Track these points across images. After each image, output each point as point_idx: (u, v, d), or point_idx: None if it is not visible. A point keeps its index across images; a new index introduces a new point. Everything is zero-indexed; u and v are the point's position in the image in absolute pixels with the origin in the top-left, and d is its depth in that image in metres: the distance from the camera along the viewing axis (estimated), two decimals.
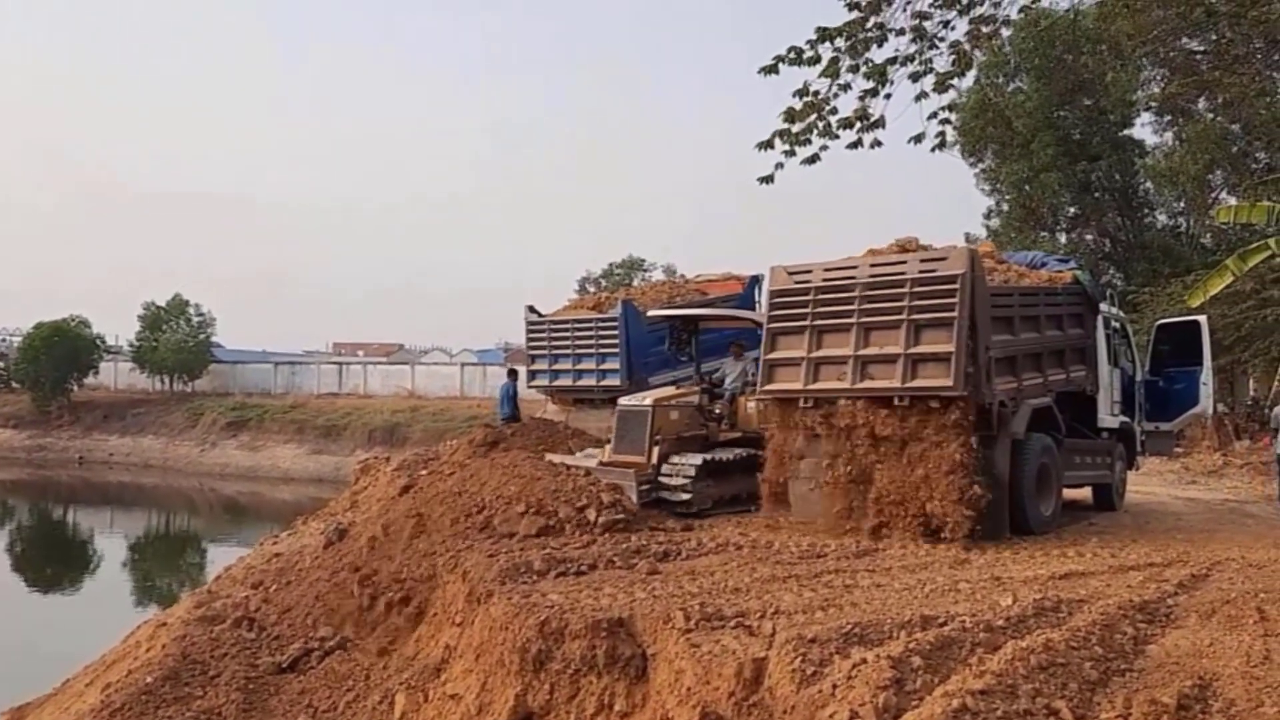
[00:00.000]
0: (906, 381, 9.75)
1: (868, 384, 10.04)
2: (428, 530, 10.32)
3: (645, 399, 12.48)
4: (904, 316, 9.81)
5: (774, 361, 10.77)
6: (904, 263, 10.12)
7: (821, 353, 10.37)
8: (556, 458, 12.57)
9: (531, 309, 18.21)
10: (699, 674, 5.66)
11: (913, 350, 9.76)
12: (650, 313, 15.72)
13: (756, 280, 18.54)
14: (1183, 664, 5.45)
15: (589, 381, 16.70)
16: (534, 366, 18.16)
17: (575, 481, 10.75)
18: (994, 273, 11.15)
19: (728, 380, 13.56)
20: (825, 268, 10.58)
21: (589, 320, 17.05)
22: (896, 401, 9.81)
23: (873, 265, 10.33)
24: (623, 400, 12.81)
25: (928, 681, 4.84)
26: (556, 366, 17.49)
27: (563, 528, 9.79)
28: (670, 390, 13.14)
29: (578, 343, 17.11)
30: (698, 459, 11.68)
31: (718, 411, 12.87)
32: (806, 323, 10.46)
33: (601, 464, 12.06)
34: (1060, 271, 12.47)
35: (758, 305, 17.86)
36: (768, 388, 10.82)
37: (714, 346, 15.09)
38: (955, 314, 9.53)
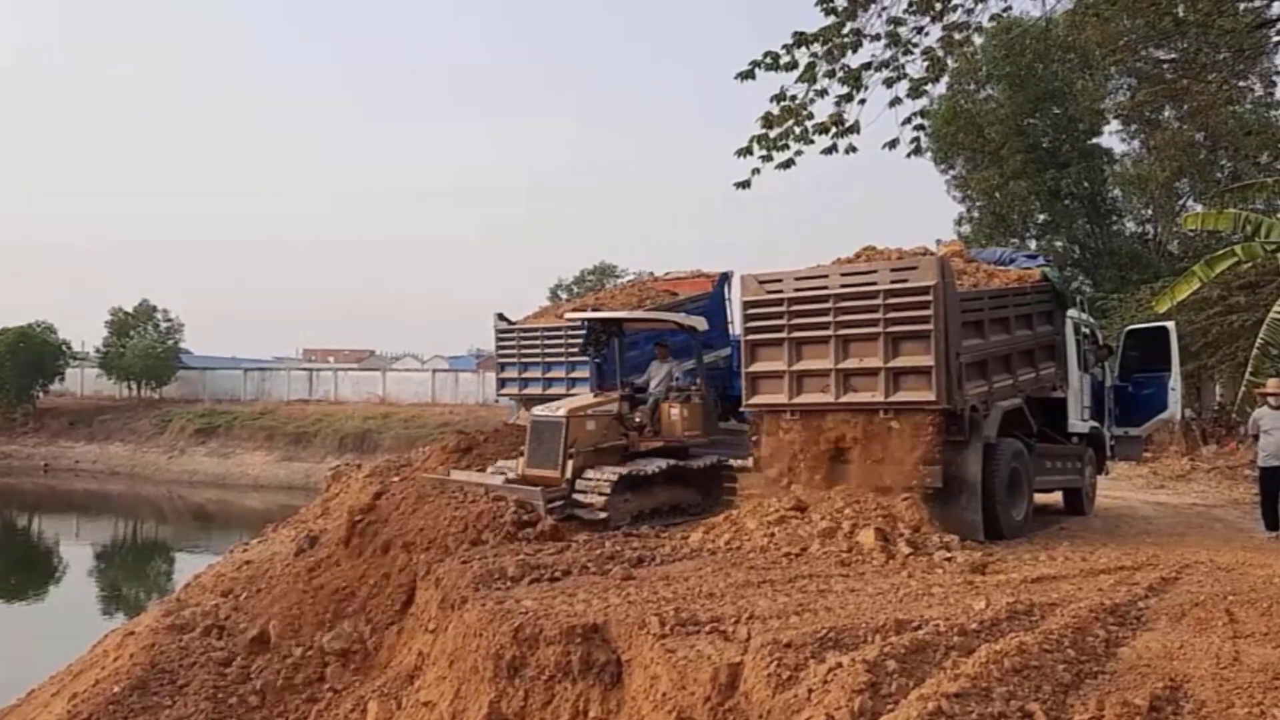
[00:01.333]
0: (890, 395, 9.91)
1: (852, 397, 10.16)
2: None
3: (559, 408, 11.75)
4: (880, 329, 9.93)
5: (756, 374, 10.83)
6: (874, 272, 10.20)
7: (802, 365, 10.45)
8: (461, 475, 12.18)
9: (501, 316, 18.07)
10: (674, 679, 5.65)
11: (893, 364, 9.90)
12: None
13: (726, 278, 18.49)
14: (1154, 666, 5.49)
15: (559, 390, 16.53)
16: (503, 375, 18.03)
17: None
18: (963, 275, 11.23)
19: (652, 384, 12.86)
20: (796, 277, 10.63)
21: (559, 328, 16.91)
22: (882, 414, 10.01)
23: (844, 275, 10.41)
24: (535, 410, 12.12)
25: (903, 685, 4.85)
26: (526, 375, 17.35)
27: None
28: (587, 398, 12.42)
29: (547, 351, 16.96)
30: (615, 472, 11.05)
31: (638, 420, 12.14)
32: (784, 335, 10.52)
33: (508, 481, 11.49)
34: (1029, 269, 12.50)
35: (728, 303, 17.81)
36: (753, 400, 10.94)
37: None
38: (931, 326, 9.64)
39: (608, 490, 10.86)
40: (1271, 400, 11.97)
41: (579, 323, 15.63)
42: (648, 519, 11.34)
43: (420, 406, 47.96)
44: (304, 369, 61.77)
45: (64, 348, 55.12)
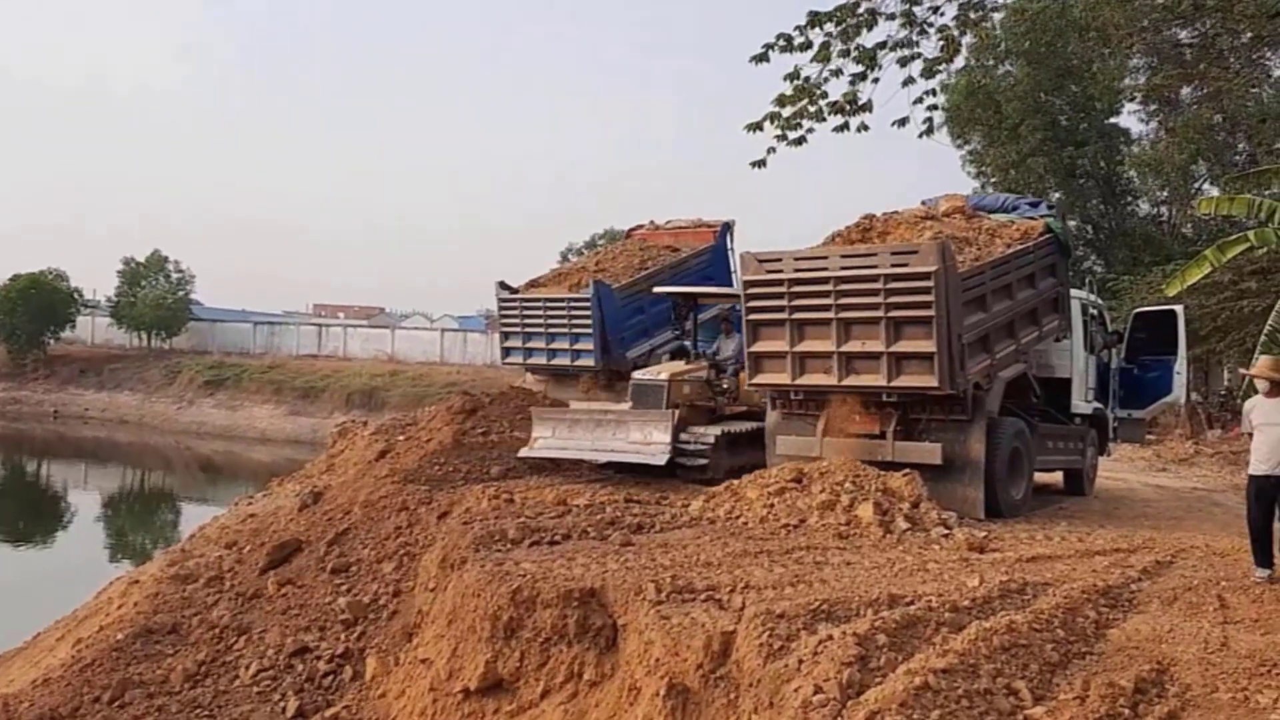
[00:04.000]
0: (892, 380, 9.93)
1: (854, 380, 10.20)
2: None
3: (660, 373, 12.82)
4: (881, 314, 9.87)
5: (759, 354, 10.85)
6: (874, 255, 10.14)
7: (804, 347, 10.45)
8: (582, 405, 13.89)
9: (503, 285, 17.87)
10: (668, 646, 5.73)
11: (895, 349, 9.88)
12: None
13: (728, 227, 18.46)
14: (1142, 649, 5.56)
15: (562, 361, 16.56)
16: (506, 344, 17.98)
17: None
18: (965, 245, 11.01)
19: (722, 355, 13.64)
20: (796, 257, 10.54)
21: (561, 299, 16.78)
22: (885, 398, 10.11)
23: (844, 257, 10.33)
24: (636, 374, 13.16)
25: (892, 659, 4.92)
26: (529, 345, 17.29)
27: None
28: (681, 365, 13.40)
29: (550, 321, 16.87)
30: (716, 430, 12.00)
31: (724, 386, 13.15)
32: (785, 316, 10.48)
33: None
34: (1032, 219, 12.22)
35: (730, 254, 17.76)
36: (757, 379, 11.02)
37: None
38: (932, 312, 9.58)
39: (710, 445, 11.78)
40: (1259, 385, 8.49)
41: (583, 296, 15.89)
42: (736, 475, 11.63)
43: (428, 366, 48.08)
44: (313, 324, 61.91)
45: (75, 295, 55.30)
